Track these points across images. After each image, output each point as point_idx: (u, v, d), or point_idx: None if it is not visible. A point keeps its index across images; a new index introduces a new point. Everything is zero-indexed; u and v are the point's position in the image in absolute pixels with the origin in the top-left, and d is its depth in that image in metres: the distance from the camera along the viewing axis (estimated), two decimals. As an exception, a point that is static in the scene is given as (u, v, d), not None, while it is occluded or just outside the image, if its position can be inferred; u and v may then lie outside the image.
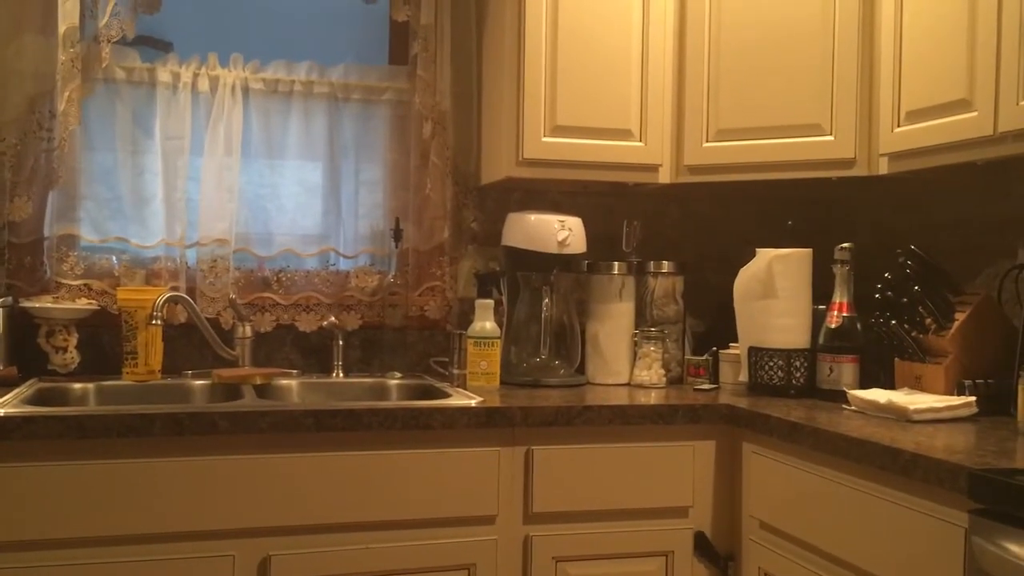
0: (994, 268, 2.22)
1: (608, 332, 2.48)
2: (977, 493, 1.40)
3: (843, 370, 2.20)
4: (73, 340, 2.30)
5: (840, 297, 2.25)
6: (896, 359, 2.16)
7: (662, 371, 2.43)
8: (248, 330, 2.44)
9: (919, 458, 1.53)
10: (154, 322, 2.21)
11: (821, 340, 2.25)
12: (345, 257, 2.60)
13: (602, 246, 2.56)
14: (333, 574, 1.89)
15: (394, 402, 2.28)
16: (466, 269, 2.66)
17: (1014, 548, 1.32)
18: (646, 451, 2.08)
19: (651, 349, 2.43)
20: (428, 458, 1.94)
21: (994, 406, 1.96)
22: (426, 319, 2.61)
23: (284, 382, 2.36)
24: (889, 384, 2.16)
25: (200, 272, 2.45)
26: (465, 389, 2.26)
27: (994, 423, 1.87)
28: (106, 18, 2.34)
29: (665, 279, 2.53)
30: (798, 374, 2.27)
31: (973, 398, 1.94)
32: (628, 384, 2.46)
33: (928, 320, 2.07)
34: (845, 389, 2.12)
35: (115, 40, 2.35)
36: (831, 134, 2.25)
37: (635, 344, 2.46)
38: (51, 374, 2.28)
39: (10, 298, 2.27)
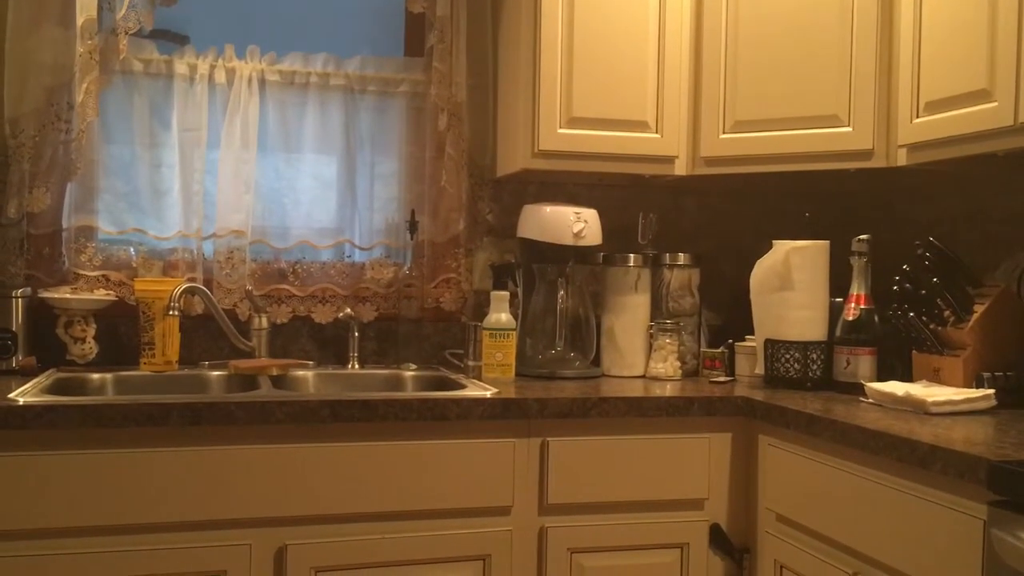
0: (1013, 260, 2.20)
1: (624, 324, 2.47)
2: (996, 485, 1.39)
3: (860, 363, 2.19)
4: (91, 331, 2.32)
5: (857, 289, 2.24)
6: (914, 351, 2.15)
7: (678, 363, 2.43)
8: (264, 321, 2.44)
9: (938, 450, 1.52)
10: (171, 313, 2.22)
11: (838, 332, 2.24)
12: (361, 249, 2.60)
13: (618, 238, 2.56)
14: (349, 564, 1.90)
15: (409, 393, 2.29)
16: (481, 261, 2.66)
17: (1034, 540, 1.32)
18: (662, 443, 2.07)
19: (667, 341, 2.43)
20: (443, 449, 1.95)
21: (1013, 399, 1.95)
22: (441, 311, 2.61)
23: (300, 373, 2.37)
24: (907, 377, 2.14)
25: (217, 263, 2.46)
26: (480, 381, 2.26)
27: (1013, 416, 1.86)
28: (123, 10, 2.34)
29: (681, 271, 2.52)
30: (815, 366, 2.26)
31: (992, 391, 1.92)
32: (643, 376, 2.45)
33: (947, 312, 2.05)
34: (862, 382, 2.11)
35: (132, 32, 2.36)
36: (849, 125, 2.23)
37: (651, 336, 2.46)
38: (69, 364, 2.30)
39: (29, 289, 2.29)
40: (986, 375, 1.97)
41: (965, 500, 1.48)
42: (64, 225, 2.36)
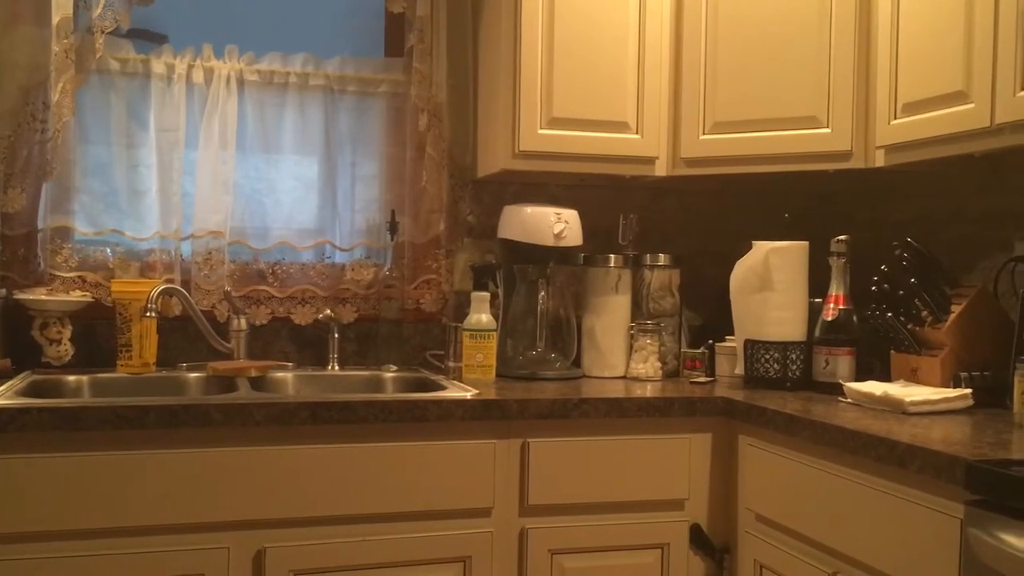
0: (990, 261, 2.22)
1: (604, 325, 2.47)
2: (973, 484, 1.40)
3: (839, 362, 2.20)
4: (67, 332, 2.29)
5: (836, 290, 2.25)
6: (892, 351, 2.16)
7: (658, 364, 2.43)
8: (243, 323, 2.43)
9: (915, 450, 1.53)
10: (148, 314, 2.20)
11: (817, 332, 2.25)
12: (341, 250, 2.59)
13: (599, 239, 2.56)
14: (328, 567, 1.89)
15: (389, 394, 2.28)
16: (462, 262, 2.65)
17: (1010, 539, 1.32)
18: (642, 444, 2.07)
19: (647, 342, 2.43)
20: (424, 450, 1.94)
21: (990, 398, 1.96)
22: (422, 312, 2.60)
23: (279, 375, 2.35)
24: (885, 376, 2.16)
25: (195, 264, 2.44)
26: (461, 382, 2.25)
27: (990, 415, 1.87)
28: (100, 9, 2.32)
29: (661, 272, 2.53)
30: (794, 367, 2.27)
31: (969, 390, 1.94)
32: (624, 377, 2.45)
33: (924, 312, 2.07)
34: (841, 381, 2.12)
35: (109, 31, 2.34)
36: (828, 126, 2.24)
37: (631, 337, 2.46)
38: (45, 366, 2.27)
39: (4, 290, 2.26)
40: (963, 375, 1.99)
41: (942, 499, 1.49)
42: (40, 226, 2.34)
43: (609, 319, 2.47)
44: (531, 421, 2.01)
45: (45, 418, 1.73)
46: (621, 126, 2.41)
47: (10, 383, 2.04)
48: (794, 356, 2.27)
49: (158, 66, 2.42)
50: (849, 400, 2.03)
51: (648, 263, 2.53)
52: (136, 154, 2.43)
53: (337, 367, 2.48)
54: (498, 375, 2.34)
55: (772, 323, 2.30)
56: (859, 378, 2.17)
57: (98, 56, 2.34)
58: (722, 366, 2.45)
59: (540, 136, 2.35)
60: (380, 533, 1.92)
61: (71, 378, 2.20)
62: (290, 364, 2.47)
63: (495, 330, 2.33)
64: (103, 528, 1.77)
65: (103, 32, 2.33)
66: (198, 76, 2.44)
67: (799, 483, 1.86)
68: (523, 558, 2.01)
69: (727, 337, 2.44)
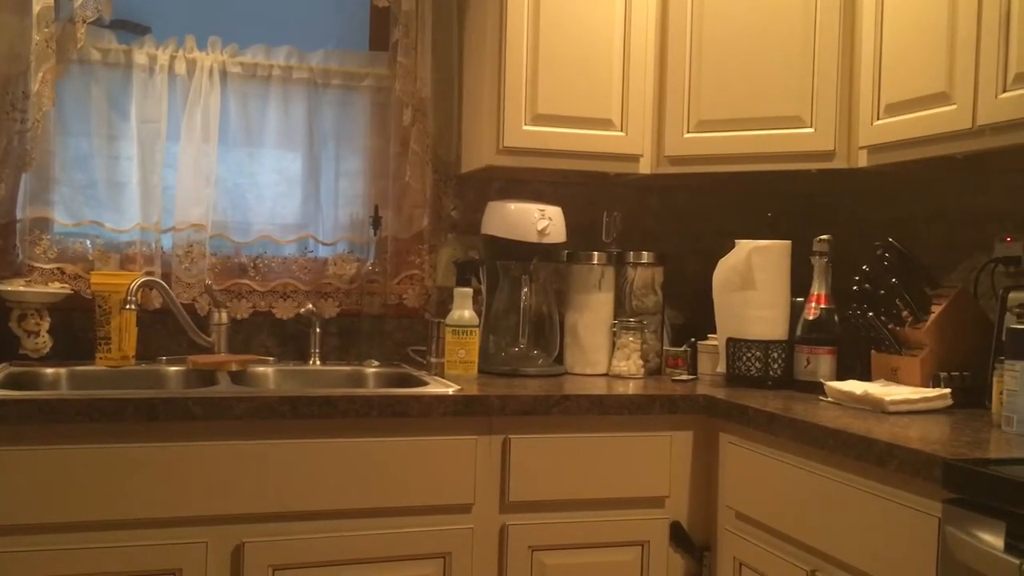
0: (971, 261, 2.23)
1: (587, 322, 2.47)
2: (951, 483, 1.41)
3: (820, 361, 2.21)
4: (45, 324, 2.27)
5: (818, 289, 2.26)
6: (873, 351, 2.17)
7: (640, 361, 2.43)
8: (224, 316, 2.41)
9: (894, 448, 1.53)
10: (128, 307, 2.18)
11: (799, 331, 2.26)
12: (323, 244, 2.58)
13: (582, 236, 2.56)
14: (307, 562, 1.88)
15: (371, 390, 2.27)
16: (445, 257, 2.64)
17: (987, 537, 1.33)
18: (623, 441, 2.08)
19: (630, 339, 2.43)
20: (405, 446, 1.93)
21: (969, 398, 1.97)
22: (404, 307, 2.59)
23: (260, 369, 2.34)
24: (865, 376, 2.17)
25: (176, 257, 2.42)
26: (443, 378, 2.25)
27: (969, 415, 1.88)
28: (81, -2, 2.30)
29: (644, 270, 2.53)
30: (775, 365, 2.28)
31: (948, 390, 1.95)
32: (606, 374, 2.45)
33: (905, 312, 2.08)
34: (822, 380, 2.13)
35: (91, 21, 2.32)
36: (811, 126, 2.25)
37: (614, 334, 2.46)
38: (23, 358, 2.25)
39: (-19, 281, 2.24)
40: (942, 375, 2.00)
41: (920, 498, 1.50)
42: (18, 216, 2.31)
43: (592, 316, 2.48)
44: (512, 418, 2.00)
45: (22, 410, 1.71)
46: (606, 123, 2.41)
47: (-13, 375, 2.03)
48: (776, 355, 2.28)
49: (140, 57, 2.40)
50: (830, 399, 2.04)
51: (631, 261, 2.53)
52: (117, 146, 2.41)
53: (319, 362, 2.47)
54: (480, 371, 2.34)
55: (754, 322, 2.30)
56: (840, 377, 2.18)
57: (79, 46, 2.32)
58: (704, 364, 2.46)
59: (524, 132, 2.35)
60: (360, 529, 1.91)
61: (49, 370, 2.19)
62: (271, 358, 2.45)
63: (477, 326, 2.33)
64: (80, 522, 1.75)
65: (85, 22, 2.31)
66: (180, 68, 2.42)
67: (779, 481, 1.87)
68: (503, 554, 2.01)
69: (709, 335, 2.45)
